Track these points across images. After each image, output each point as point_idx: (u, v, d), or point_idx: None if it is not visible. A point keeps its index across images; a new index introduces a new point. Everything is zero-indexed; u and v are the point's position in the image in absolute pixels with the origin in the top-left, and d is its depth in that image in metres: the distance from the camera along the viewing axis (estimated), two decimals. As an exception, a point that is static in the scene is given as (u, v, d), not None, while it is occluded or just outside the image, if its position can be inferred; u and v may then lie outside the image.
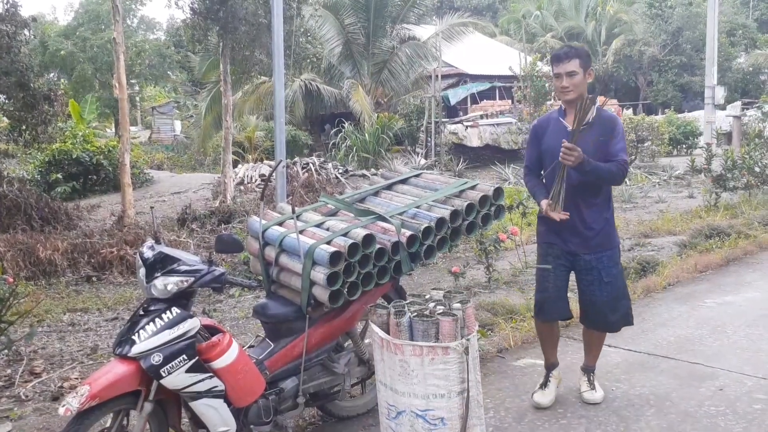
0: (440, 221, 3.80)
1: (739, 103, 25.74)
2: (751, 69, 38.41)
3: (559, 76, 4.09)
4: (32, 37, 13.10)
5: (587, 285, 4.23)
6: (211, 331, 3.48)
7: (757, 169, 12.02)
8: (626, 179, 16.21)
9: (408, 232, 3.72)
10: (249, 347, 3.97)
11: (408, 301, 3.55)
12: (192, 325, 3.27)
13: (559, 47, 4.25)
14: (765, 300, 6.60)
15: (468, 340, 3.26)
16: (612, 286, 4.21)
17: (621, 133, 4.09)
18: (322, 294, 3.58)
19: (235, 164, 17.66)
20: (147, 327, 3.19)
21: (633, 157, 18.99)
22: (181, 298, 3.32)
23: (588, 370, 4.51)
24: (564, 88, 4.08)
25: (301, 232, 3.72)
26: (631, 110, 31.82)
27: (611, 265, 4.21)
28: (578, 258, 4.20)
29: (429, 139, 20.80)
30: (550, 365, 4.48)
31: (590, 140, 4.01)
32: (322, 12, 23.09)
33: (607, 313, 4.26)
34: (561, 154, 3.88)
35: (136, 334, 3.18)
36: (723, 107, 24.36)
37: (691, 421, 4.08)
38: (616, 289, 4.23)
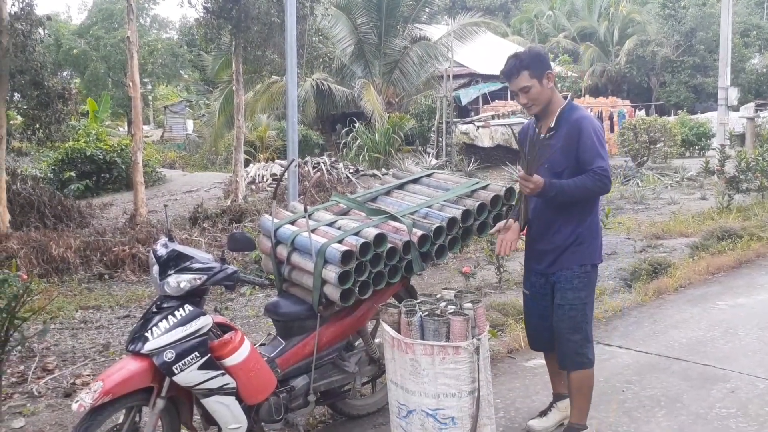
0: (452, 221, 3.80)
1: (752, 104, 25.61)
2: (765, 70, 38.21)
3: (515, 94, 3.69)
4: (47, 35, 13.14)
5: (554, 308, 3.76)
6: (223, 328, 3.50)
7: (770, 171, 11.93)
8: (639, 181, 16.17)
9: (419, 232, 3.72)
10: (260, 345, 3.99)
11: (419, 301, 3.56)
12: (204, 322, 3.29)
13: (506, 60, 3.69)
14: (778, 302, 6.57)
15: (479, 339, 3.26)
16: (563, 312, 3.66)
17: (591, 136, 3.50)
18: (333, 293, 3.60)
19: (246, 163, 17.71)
20: (160, 324, 3.21)
21: (645, 158, 18.95)
22: (194, 296, 3.34)
23: (570, 430, 3.80)
24: (524, 105, 3.69)
25: (312, 230, 3.74)
26: (643, 111, 31.66)
27: (568, 288, 3.65)
28: (550, 278, 3.74)
29: (440, 139, 20.80)
30: (556, 395, 4.07)
31: (557, 147, 3.55)
32: (335, 12, 23.13)
33: (559, 343, 3.74)
34: (518, 183, 3.52)
35: (149, 331, 3.20)
36: (736, 109, 24.23)
37: (702, 423, 4.07)
38: (569, 319, 3.65)
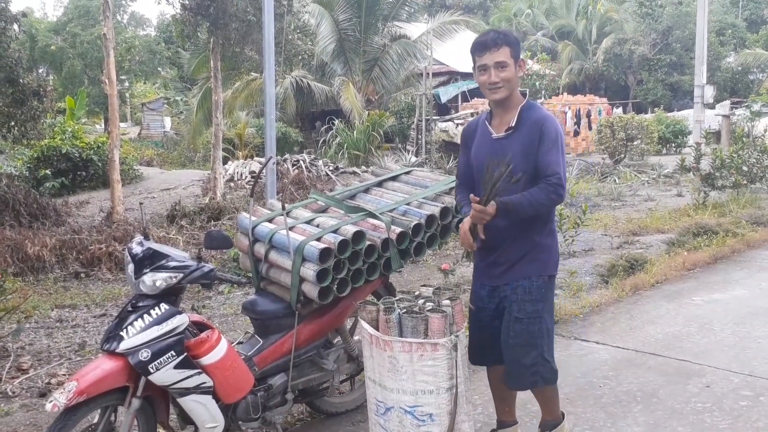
0: (430, 218, 3.81)
1: (728, 102, 25.90)
2: (740, 68, 38.66)
3: (485, 69, 3.28)
4: (22, 32, 12.97)
5: (504, 323, 3.40)
6: (199, 327, 3.47)
7: (745, 168, 12.08)
8: (617, 178, 16.26)
9: (398, 229, 3.72)
10: (238, 344, 3.96)
11: (397, 298, 3.55)
12: (180, 321, 3.26)
13: (483, 32, 3.38)
14: (752, 298, 6.65)
15: (457, 336, 3.26)
16: (523, 327, 3.32)
17: (553, 138, 3.22)
18: (311, 290, 3.58)
19: (225, 161, 17.59)
20: (135, 323, 3.18)
21: (622, 155, 19.12)
22: (170, 295, 3.32)
23: (544, 427, 3.60)
24: (492, 84, 3.27)
25: (290, 228, 3.72)
26: (621, 109, 31.95)
27: (527, 300, 3.33)
28: (501, 290, 3.42)
29: (419, 136, 20.82)
30: (500, 422, 3.69)
31: (516, 148, 3.25)
32: (318, 10, 23.09)
33: (514, 364, 3.37)
34: (472, 214, 3.24)
35: (124, 330, 3.17)
36: (712, 106, 24.49)
37: (677, 418, 4.11)
38: (527, 334, 3.32)
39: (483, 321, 3.49)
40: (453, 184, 4.09)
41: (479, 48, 3.30)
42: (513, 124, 3.30)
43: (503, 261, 3.37)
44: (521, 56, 3.34)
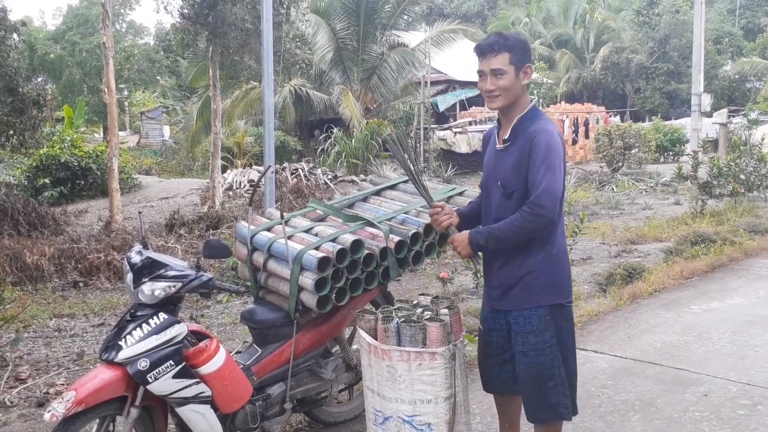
0: (428, 227, 3.80)
1: (725, 110, 26.01)
2: (737, 77, 38.84)
3: (482, 75, 3.09)
4: (21, 41, 13.00)
5: (516, 357, 3.22)
6: (198, 336, 3.48)
7: (742, 177, 12.13)
8: (614, 186, 16.28)
9: (396, 238, 3.73)
10: (236, 353, 3.96)
11: (396, 307, 3.55)
12: (179, 330, 3.27)
13: (487, 35, 3.18)
14: (750, 306, 6.66)
15: (455, 345, 3.26)
16: (530, 360, 3.13)
17: (542, 154, 2.96)
18: (310, 299, 3.59)
19: (223, 169, 17.61)
20: (134, 332, 3.18)
21: (620, 164, 19.16)
22: (169, 304, 3.32)
23: None
24: (488, 92, 3.09)
25: (289, 237, 3.73)
26: (618, 117, 32.06)
27: (529, 331, 3.11)
28: (507, 316, 3.22)
29: (418, 145, 20.86)
30: None
31: (509, 163, 3.09)
32: (315, 18, 23.13)
33: (529, 397, 3.20)
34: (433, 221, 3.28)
35: (123, 340, 3.17)
36: (709, 115, 24.61)
37: (675, 427, 4.11)
38: (536, 366, 3.12)
39: (489, 344, 3.34)
40: (451, 193, 4.11)
41: (478, 52, 3.11)
42: (507, 136, 3.13)
43: (497, 284, 3.23)
44: (529, 61, 3.13)
